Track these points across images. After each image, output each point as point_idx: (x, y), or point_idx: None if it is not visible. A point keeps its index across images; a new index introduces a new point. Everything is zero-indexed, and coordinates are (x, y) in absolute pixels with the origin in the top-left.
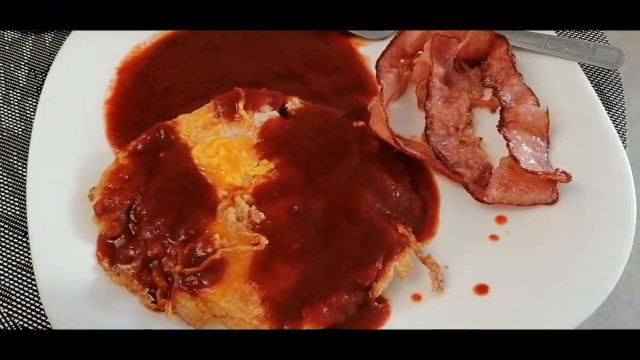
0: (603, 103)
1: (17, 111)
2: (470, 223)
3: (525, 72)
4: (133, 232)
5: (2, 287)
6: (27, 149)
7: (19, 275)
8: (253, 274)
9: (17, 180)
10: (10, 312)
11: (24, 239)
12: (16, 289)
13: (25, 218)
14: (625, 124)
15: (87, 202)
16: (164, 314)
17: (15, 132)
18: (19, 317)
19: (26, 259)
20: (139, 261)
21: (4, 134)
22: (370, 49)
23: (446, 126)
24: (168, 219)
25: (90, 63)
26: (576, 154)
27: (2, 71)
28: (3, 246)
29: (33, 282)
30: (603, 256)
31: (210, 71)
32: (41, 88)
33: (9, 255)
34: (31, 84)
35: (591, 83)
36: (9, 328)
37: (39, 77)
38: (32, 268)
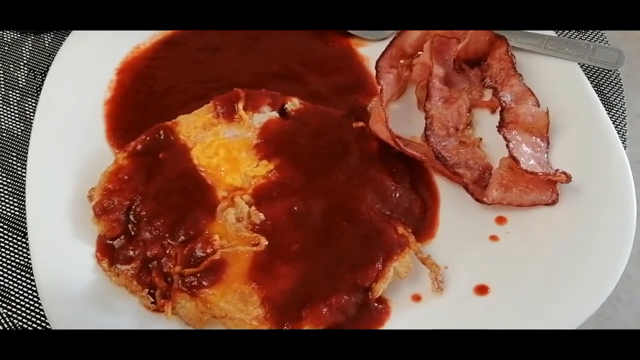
0: (603, 103)
1: (16, 112)
2: (470, 224)
3: (525, 73)
4: (132, 233)
5: (2, 287)
6: (27, 149)
7: (19, 276)
8: (253, 274)
9: (16, 181)
10: (10, 313)
11: (24, 240)
12: (15, 289)
13: (25, 218)
14: (625, 124)
15: (86, 203)
16: (164, 315)
17: (15, 133)
18: (19, 317)
19: (25, 260)
20: (139, 262)
21: (4, 134)
22: (370, 49)
23: (446, 127)
24: (167, 219)
25: (90, 63)
26: (576, 155)
27: (1, 72)
28: (2, 247)
29: (32, 283)
30: (603, 257)
31: (209, 72)
32: (40, 88)
33: (8, 256)
34: (30, 84)
35: (591, 83)
36: (8, 329)
37: (38, 78)
38: (31, 269)
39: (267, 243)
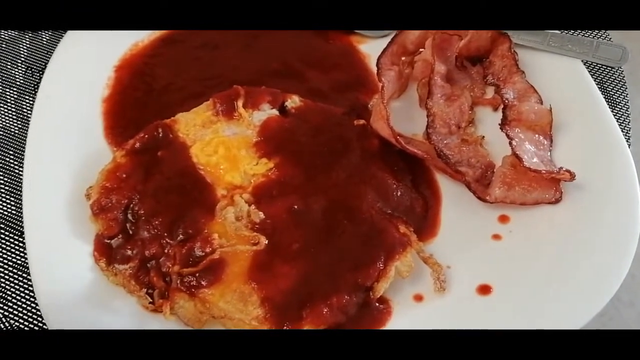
0: (606, 101)
1: (13, 110)
2: (472, 222)
3: (528, 70)
4: (130, 232)
5: None
6: (24, 147)
7: (15, 276)
8: (252, 274)
9: (13, 179)
10: (6, 313)
11: (20, 239)
12: (12, 289)
13: (22, 217)
14: (629, 122)
15: (84, 202)
16: (162, 315)
17: (12, 131)
18: (15, 317)
19: (22, 259)
20: (137, 261)
21: (0, 132)
22: (371, 46)
23: (448, 124)
24: (166, 218)
25: (88, 61)
26: (580, 153)
27: None
28: None
29: (29, 282)
30: (607, 256)
31: (209, 69)
32: (38, 86)
33: (4, 255)
34: (28, 82)
35: (594, 81)
36: (4, 329)
37: (35, 75)
38: (28, 268)
39: (267, 242)
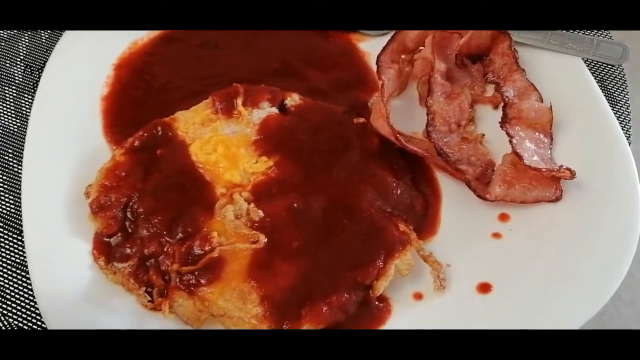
0: (607, 99)
1: (12, 108)
2: (472, 221)
3: (528, 68)
4: (130, 230)
5: None
6: (23, 146)
7: (14, 274)
8: (252, 272)
9: (12, 178)
10: (5, 312)
11: (19, 237)
12: (11, 287)
13: (21, 216)
14: (629, 120)
15: (83, 200)
16: (161, 314)
17: (11, 129)
18: (14, 316)
19: (21, 258)
20: (136, 259)
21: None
22: (371, 44)
23: (448, 122)
24: (165, 216)
25: (87, 59)
26: (580, 151)
27: None
28: None
29: (28, 281)
30: (608, 254)
31: (208, 67)
32: (37, 85)
33: (3, 254)
34: (27, 80)
35: (595, 79)
36: (3, 328)
37: (35, 74)
38: (27, 267)
39: (266, 240)
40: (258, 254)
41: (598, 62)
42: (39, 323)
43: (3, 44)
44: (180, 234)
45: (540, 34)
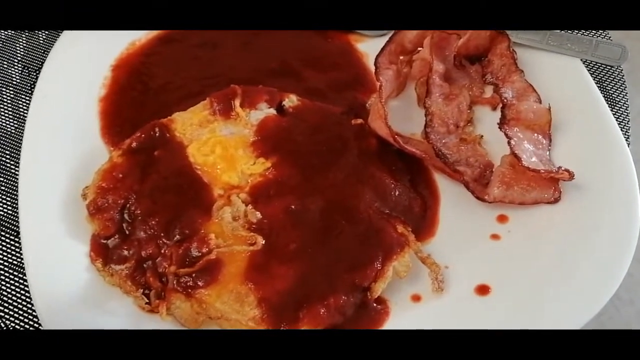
0: (606, 100)
1: (10, 109)
2: (470, 222)
3: (527, 69)
4: (127, 232)
5: None
6: (20, 147)
7: (11, 276)
8: (249, 274)
9: (9, 179)
10: (2, 314)
11: (16, 239)
12: (7, 289)
13: (18, 217)
14: (628, 121)
15: (80, 202)
16: (158, 316)
17: (8, 131)
18: (10, 318)
19: (18, 259)
20: (133, 261)
21: None
22: (369, 45)
23: (446, 124)
24: (163, 218)
25: (85, 60)
26: (579, 152)
27: None
28: None
29: (25, 283)
30: (607, 256)
31: (206, 68)
32: (35, 86)
33: (0, 255)
34: (25, 81)
35: (594, 80)
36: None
37: (32, 75)
38: (23, 268)
39: (263, 242)
40: (255, 256)
41: (597, 62)
42: (35, 325)
43: (1, 44)
44: (177, 236)
45: (539, 35)
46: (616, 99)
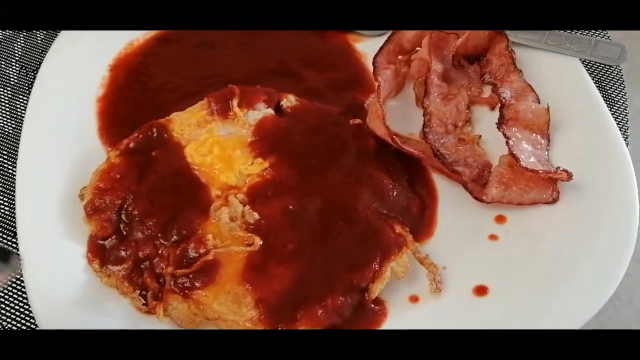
0: (605, 100)
1: (7, 109)
2: (469, 223)
3: (526, 69)
4: (124, 233)
5: None
6: (18, 147)
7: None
8: (246, 275)
9: (6, 180)
10: None
11: (13, 240)
12: (4, 290)
13: (15, 218)
14: (627, 121)
15: (77, 202)
16: (156, 317)
17: (6, 131)
18: (7, 319)
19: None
20: (130, 262)
21: None
22: (368, 45)
23: (444, 124)
24: (160, 219)
25: (82, 60)
26: (577, 152)
27: None
28: None
29: (22, 284)
30: (605, 256)
31: (204, 68)
32: (32, 86)
33: None
34: (22, 81)
35: (592, 79)
36: None
37: (30, 75)
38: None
39: (261, 243)
40: (253, 257)
41: (596, 62)
42: (33, 327)
43: None
44: (175, 237)
45: (538, 35)
46: (615, 98)
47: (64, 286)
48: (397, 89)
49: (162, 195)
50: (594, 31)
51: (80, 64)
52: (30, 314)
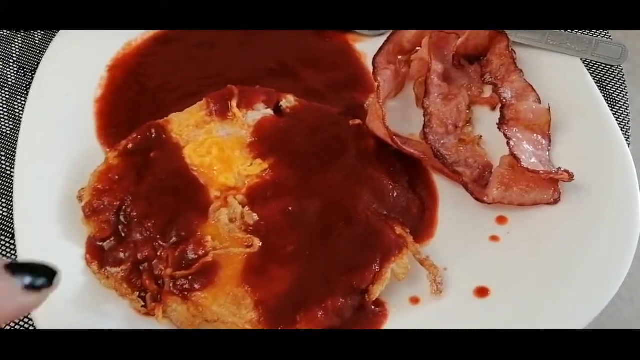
0: (606, 100)
1: (5, 110)
2: (469, 224)
3: (526, 68)
4: (123, 234)
5: None
6: (16, 148)
7: None
8: (246, 277)
9: (4, 181)
10: None
11: (11, 241)
12: None
13: (12, 219)
14: (628, 121)
15: (75, 204)
16: (155, 319)
17: (3, 132)
18: None
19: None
20: (129, 264)
21: None
22: (367, 45)
23: (445, 124)
24: (159, 220)
25: (81, 60)
26: (579, 153)
27: None
28: None
29: None
30: (607, 256)
31: (203, 68)
32: (30, 86)
33: None
34: (20, 82)
35: (594, 79)
36: None
37: (28, 75)
38: None
39: (260, 244)
40: (252, 258)
41: (597, 62)
42: (31, 329)
43: None
44: (173, 238)
45: (539, 34)
46: (616, 98)
47: (63, 288)
48: (397, 89)
49: (161, 197)
50: (595, 31)
51: (79, 64)
52: (29, 316)
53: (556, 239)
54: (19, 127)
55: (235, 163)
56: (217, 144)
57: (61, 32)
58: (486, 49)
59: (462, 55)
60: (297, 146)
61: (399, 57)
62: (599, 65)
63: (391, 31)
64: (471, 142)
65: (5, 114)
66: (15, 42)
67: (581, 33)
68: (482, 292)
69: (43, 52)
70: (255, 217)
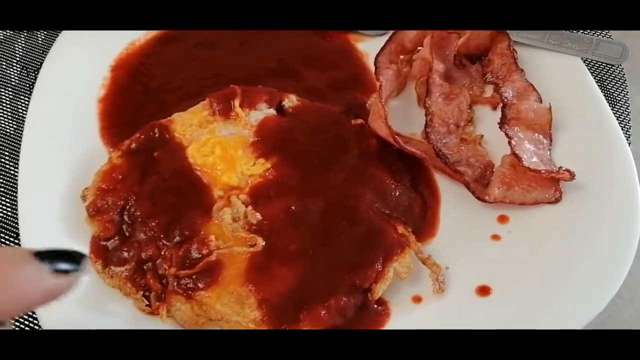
0: (606, 99)
1: (8, 110)
2: (471, 223)
3: (527, 68)
4: (127, 234)
5: None
6: (19, 148)
7: None
8: (249, 276)
9: (8, 181)
10: None
11: (16, 241)
12: None
13: (17, 219)
14: (629, 120)
15: (79, 203)
16: (159, 318)
17: (7, 132)
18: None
19: None
20: (133, 263)
21: None
22: (369, 44)
23: (446, 123)
24: (162, 219)
25: (84, 61)
26: (580, 152)
27: None
28: None
29: None
30: (608, 256)
31: (206, 68)
32: (33, 86)
33: None
34: (23, 82)
35: (594, 79)
36: None
37: (31, 75)
38: None
39: (264, 244)
40: (256, 258)
41: (597, 61)
42: (36, 329)
43: None
44: (177, 237)
45: (539, 34)
46: (617, 97)
47: None
48: (398, 88)
49: (164, 196)
50: (595, 31)
51: (82, 64)
52: (34, 314)
53: (557, 238)
54: (22, 127)
55: (238, 162)
56: (220, 144)
57: (64, 32)
58: (487, 49)
59: (464, 55)
60: (299, 146)
61: (401, 56)
62: (599, 65)
63: (393, 31)
64: (472, 141)
65: (9, 114)
66: (18, 42)
67: (582, 33)
68: (483, 290)
69: (46, 52)
70: (259, 216)
